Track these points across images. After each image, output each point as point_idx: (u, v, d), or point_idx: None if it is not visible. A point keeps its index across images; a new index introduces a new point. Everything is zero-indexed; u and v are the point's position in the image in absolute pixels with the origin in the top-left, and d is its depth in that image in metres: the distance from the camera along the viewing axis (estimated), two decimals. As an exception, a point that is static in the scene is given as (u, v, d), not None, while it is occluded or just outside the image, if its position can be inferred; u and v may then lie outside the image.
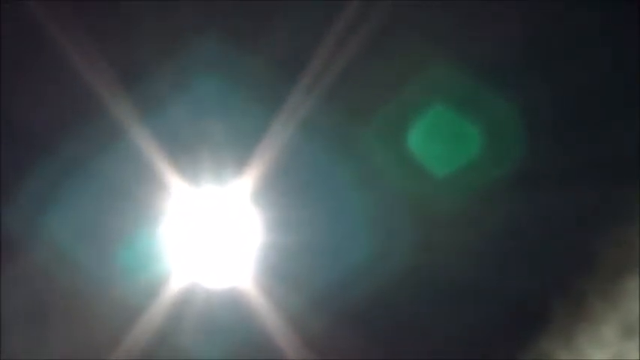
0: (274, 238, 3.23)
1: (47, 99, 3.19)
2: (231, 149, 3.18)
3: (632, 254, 2.82)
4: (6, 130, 3.19)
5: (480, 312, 3.13)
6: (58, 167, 3.18)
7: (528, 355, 2.99)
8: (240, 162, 3.16)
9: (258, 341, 3.15)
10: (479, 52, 3.14)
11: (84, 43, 3.08)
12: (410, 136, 3.20)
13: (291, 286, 3.20)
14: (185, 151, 3.19)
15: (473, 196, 3.18)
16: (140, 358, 3.12)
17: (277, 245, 3.23)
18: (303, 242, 3.22)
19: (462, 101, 3.18)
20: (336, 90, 3.11)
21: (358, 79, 3.17)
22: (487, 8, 3.12)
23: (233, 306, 3.18)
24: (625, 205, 2.91)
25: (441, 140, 3.21)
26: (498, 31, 3.14)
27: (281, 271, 3.22)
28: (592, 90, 3.08)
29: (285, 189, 3.21)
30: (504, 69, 3.13)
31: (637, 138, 2.97)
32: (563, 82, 3.10)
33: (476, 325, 3.13)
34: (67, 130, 3.17)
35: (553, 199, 3.05)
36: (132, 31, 3.17)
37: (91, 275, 3.18)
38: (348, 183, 3.23)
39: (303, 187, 3.22)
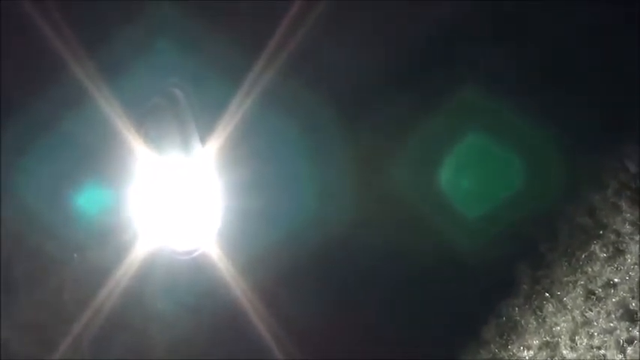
0: (233, 202, 3.37)
1: (13, 63, 3.16)
2: (195, 116, 3.26)
3: (598, 220, 2.98)
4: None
5: (426, 279, 3.34)
6: (23, 131, 3.17)
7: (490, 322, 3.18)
8: (204, 129, 3.25)
9: (216, 294, 3.29)
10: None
11: (49, 8, 3.06)
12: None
13: (246, 245, 3.36)
14: (149, 117, 3.25)
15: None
16: (108, 320, 3.20)
17: (235, 208, 3.37)
18: (259, 206, 3.38)
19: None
20: (296, 62, 3.23)
21: (317, 52, 3.30)
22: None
23: (196, 266, 3.31)
24: (592, 172, 3.05)
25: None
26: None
27: (238, 232, 3.36)
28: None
29: (245, 156, 3.33)
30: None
31: (604, 106, 3.08)
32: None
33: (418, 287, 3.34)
34: (32, 94, 3.16)
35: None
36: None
37: (58, 238, 3.22)
38: (302, 152, 3.39)
39: (261, 154, 3.36)
